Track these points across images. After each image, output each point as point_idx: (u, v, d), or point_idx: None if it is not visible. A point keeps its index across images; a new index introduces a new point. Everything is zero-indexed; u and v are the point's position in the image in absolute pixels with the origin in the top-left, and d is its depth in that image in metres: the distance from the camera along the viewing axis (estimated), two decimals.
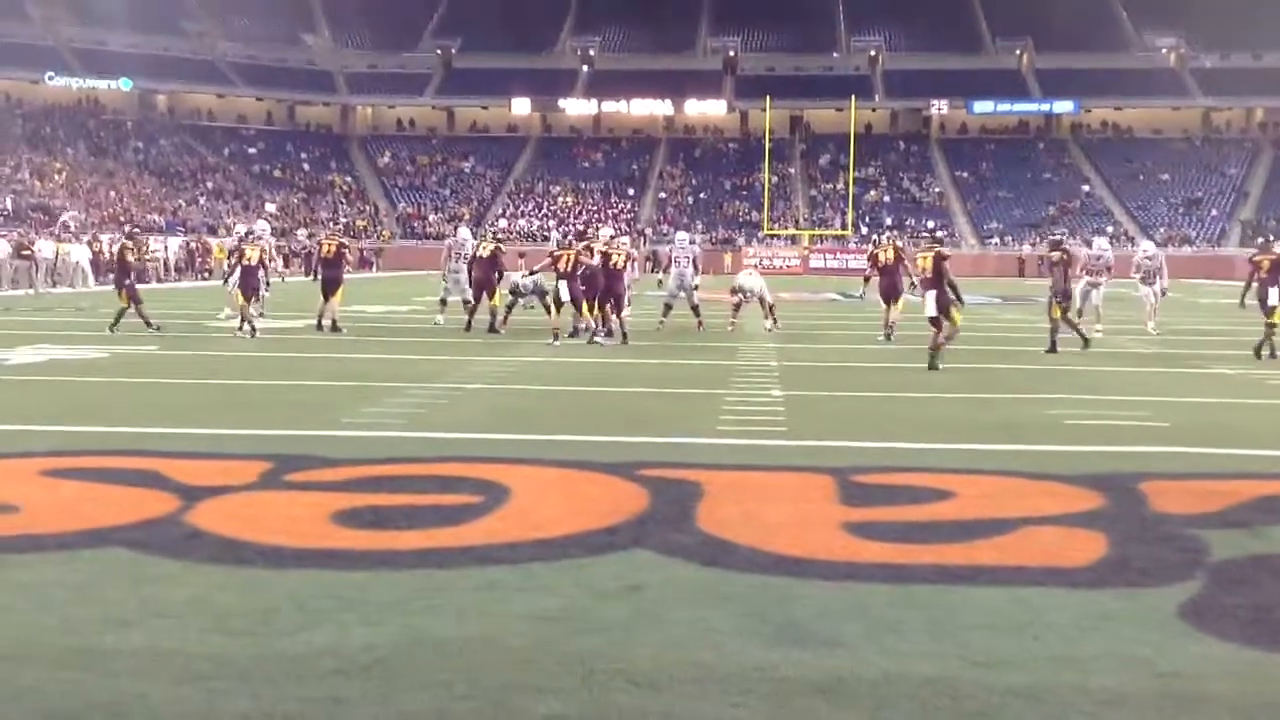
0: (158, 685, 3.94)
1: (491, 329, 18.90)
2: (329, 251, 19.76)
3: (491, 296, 19.14)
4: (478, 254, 19.30)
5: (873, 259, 19.31)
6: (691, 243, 21.18)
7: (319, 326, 19.33)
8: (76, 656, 4.20)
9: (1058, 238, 19.19)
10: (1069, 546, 5.84)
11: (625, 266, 18.05)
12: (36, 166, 61.52)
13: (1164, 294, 21.30)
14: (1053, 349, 16.40)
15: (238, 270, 18.97)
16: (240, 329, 17.94)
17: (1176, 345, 17.91)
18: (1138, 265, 21.35)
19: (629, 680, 4.00)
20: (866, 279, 19.47)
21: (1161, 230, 65.09)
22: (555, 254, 17.88)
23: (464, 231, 22.11)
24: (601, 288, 17.73)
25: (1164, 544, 5.89)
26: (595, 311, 17.86)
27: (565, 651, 4.28)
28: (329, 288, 19.40)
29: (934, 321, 14.33)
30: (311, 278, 21.43)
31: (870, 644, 4.40)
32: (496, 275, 19.01)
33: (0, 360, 14.35)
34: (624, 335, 17.65)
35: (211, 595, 4.92)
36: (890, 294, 18.67)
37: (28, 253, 34.29)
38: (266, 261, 18.99)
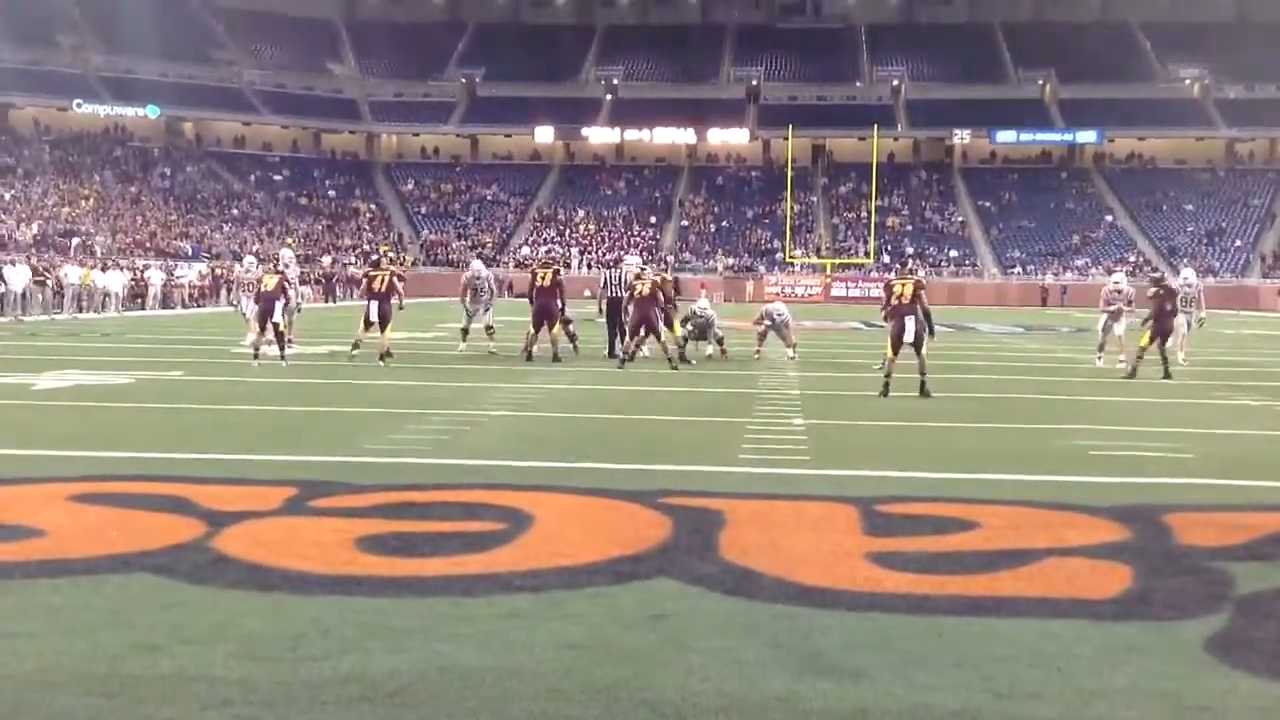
0: (185, 711, 3.96)
1: (555, 358, 18.82)
2: (382, 285, 18.58)
3: (552, 326, 19.06)
4: (539, 283, 19.11)
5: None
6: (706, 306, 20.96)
7: (354, 347, 19.05)
8: (104, 682, 4.22)
9: (1159, 274, 19.76)
10: (1094, 578, 5.81)
11: (655, 294, 18.29)
12: (64, 193, 62.07)
13: (1201, 324, 21.21)
14: (1132, 375, 17.40)
15: (252, 297, 19.02)
16: (255, 356, 17.99)
17: (1200, 376, 17.83)
18: (1175, 292, 21.24)
19: (654, 710, 4.00)
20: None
21: (1185, 260, 64.92)
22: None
23: (477, 264, 22.01)
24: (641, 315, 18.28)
25: (1190, 576, 5.86)
26: (629, 339, 18.57)
27: (590, 680, 4.28)
28: (378, 319, 18.43)
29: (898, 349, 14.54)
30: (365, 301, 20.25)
31: (894, 675, 4.39)
32: (559, 304, 19.08)
33: (27, 385, 14.46)
34: (672, 360, 18.06)
35: (237, 621, 4.94)
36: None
37: (40, 278, 34.75)
38: (287, 289, 18.76)
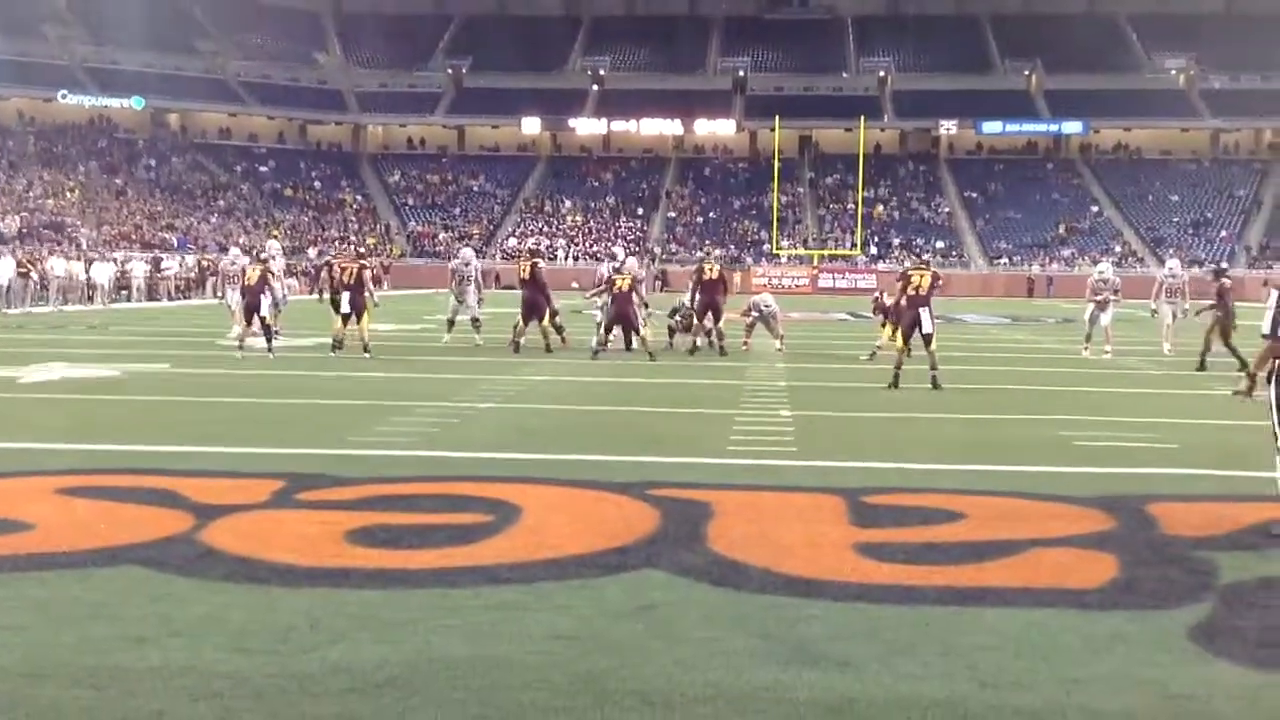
0: (174, 703, 3.97)
1: (548, 349, 18.98)
2: (350, 276, 18.22)
3: (542, 319, 19.14)
4: (520, 275, 19.33)
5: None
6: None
7: (334, 348, 18.91)
8: (92, 674, 4.23)
9: (1224, 266, 19.94)
10: (1079, 568, 5.85)
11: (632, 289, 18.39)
12: (49, 184, 61.78)
13: (1186, 315, 21.19)
14: (1247, 372, 17.22)
15: (237, 289, 19.00)
16: (240, 348, 17.95)
17: (1185, 367, 17.88)
18: (1161, 283, 21.27)
19: (642, 700, 4.02)
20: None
21: (1170, 251, 65.09)
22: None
23: (466, 253, 21.93)
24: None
25: (1173, 566, 5.91)
26: (605, 332, 18.57)
27: (578, 671, 4.31)
28: (351, 309, 18.21)
29: (909, 340, 14.65)
30: (319, 298, 21.04)
31: (881, 665, 4.42)
32: (543, 296, 19.12)
33: (13, 378, 14.42)
34: (652, 353, 18.00)
35: (226, 613, 4.95)
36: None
37: (24, 270, 34.66)
38: (272, 282, 18.57)
